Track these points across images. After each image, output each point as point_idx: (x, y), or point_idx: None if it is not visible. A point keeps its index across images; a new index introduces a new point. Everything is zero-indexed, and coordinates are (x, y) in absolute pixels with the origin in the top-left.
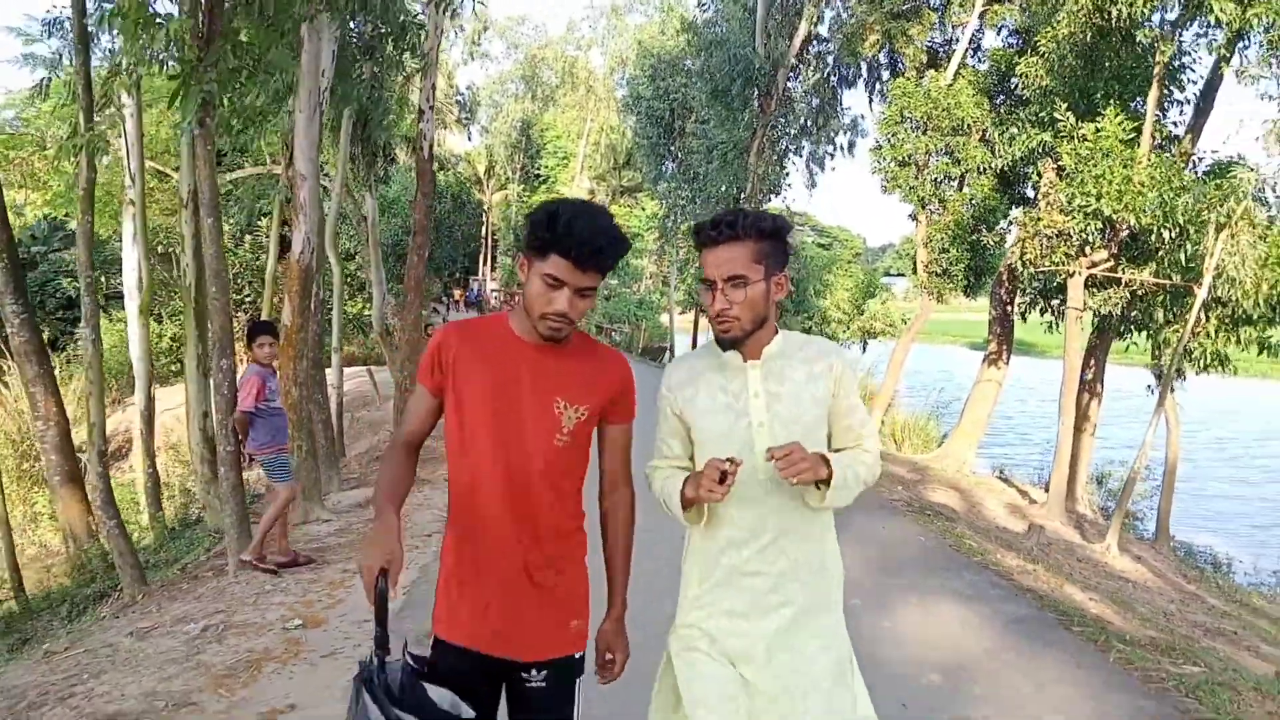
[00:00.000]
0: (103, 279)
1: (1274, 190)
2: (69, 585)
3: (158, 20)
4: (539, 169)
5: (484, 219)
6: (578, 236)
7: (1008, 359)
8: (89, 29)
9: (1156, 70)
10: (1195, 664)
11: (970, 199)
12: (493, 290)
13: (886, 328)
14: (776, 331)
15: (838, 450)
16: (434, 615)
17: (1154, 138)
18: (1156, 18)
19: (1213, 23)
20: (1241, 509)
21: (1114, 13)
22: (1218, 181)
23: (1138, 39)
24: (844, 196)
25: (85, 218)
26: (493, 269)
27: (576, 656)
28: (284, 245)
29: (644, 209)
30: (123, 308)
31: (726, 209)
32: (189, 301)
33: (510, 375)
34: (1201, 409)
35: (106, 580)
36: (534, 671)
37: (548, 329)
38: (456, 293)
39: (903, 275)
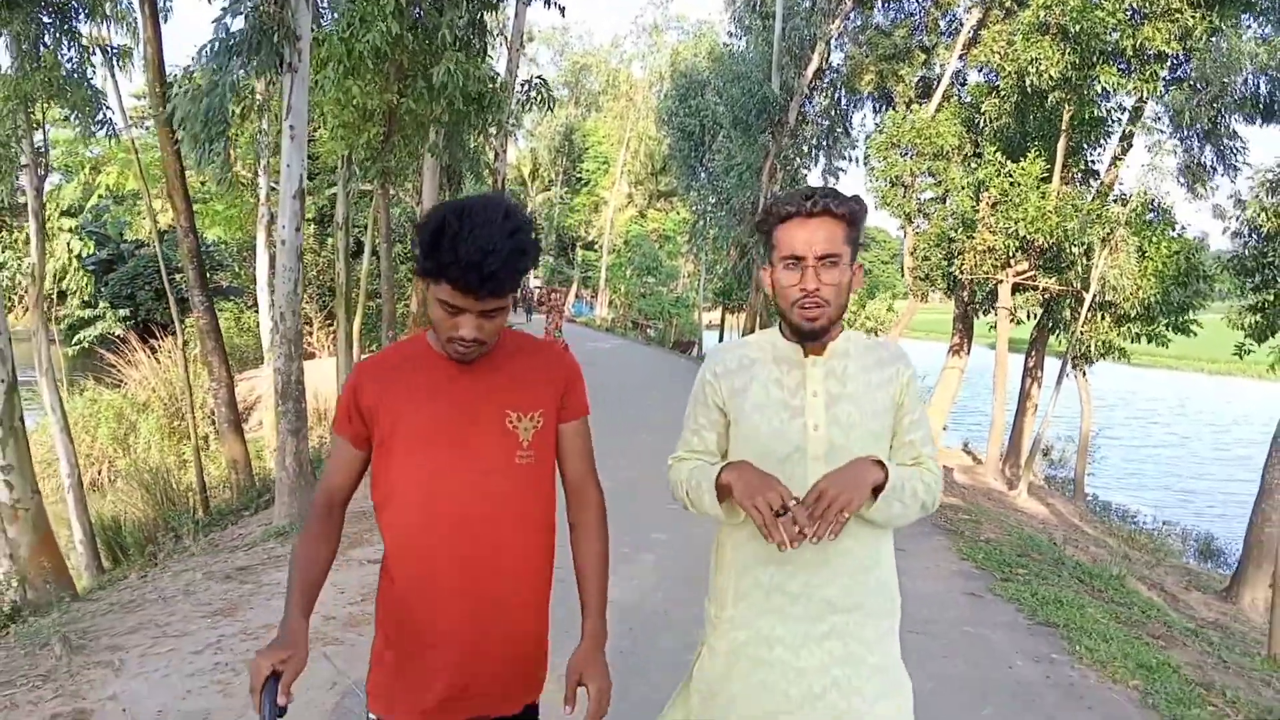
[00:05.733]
0: (207, 274)
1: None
2: (238, 503)
3: (364, 127)
4: (580, 173)
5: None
6: (464, 261)
7: (968, 350)
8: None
9: (1064, 124)
10: (967, 515)
11: (951, 213)
12: (536, 286)
13: (877, 326)
14: (843, 328)
15: None
16: (369, 689)
17: (1069, 173)
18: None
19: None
20: (1195, 499)
21: (1027, 82)
22: (1098, 212)
23: (1048, 101)
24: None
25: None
26: (535, 266)
27: (536, 704)
28: (358, 248)
29: (678, 213)
30: (228, 299)
31: (811, 188)
32: (341, 294)
33: (448, 400)
34: (1224, 415)
35: (267, 497)
36: None
37: (456, 354)
38: None
39: None
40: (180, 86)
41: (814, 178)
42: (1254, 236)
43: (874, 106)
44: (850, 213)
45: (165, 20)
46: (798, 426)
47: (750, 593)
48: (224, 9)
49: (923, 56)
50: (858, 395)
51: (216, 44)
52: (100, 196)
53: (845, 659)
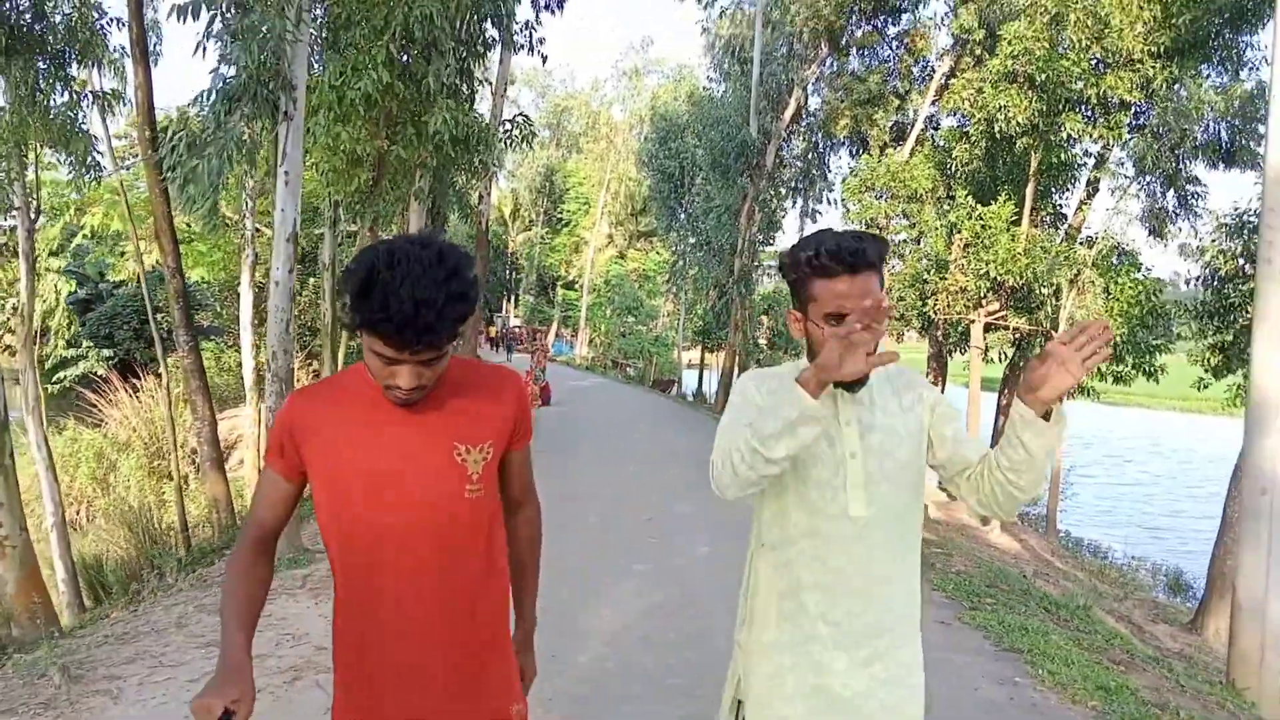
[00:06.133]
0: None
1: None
2: (219, 541)
3: (354, 173)
4: (561, 213)
5: (509, 260)
6: (395, 316)
7: (942, 388)
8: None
9: (1032, 169)
10: (939, 549)
11: (925, 254)
12: (516, 325)
13: None
14: None
15: (965, 470)
16: None
17: (1037, 216)
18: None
19: (1072, 136)
20: (1168, 536)
21: (996, 128)
22: (1066, 254)
23: (1016, 147)
24: None
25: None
26: (515, 305)
27: None
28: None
29: (658, 253)
30: (209, 339)
31: (846, 238)
32: (325, 334)
33: (391, 435)
34: (1196, 453)
35: None
36: None
37: (397, 400)
38: (490, 330)
39: None
40: (173, 132)
41: (791, 220)
42: (1214, 280)
43: (850, 150)
44: (881, 259)
45: (155, 64)
46: (835, 454)
47: (794, 616)
48: (220, 56)
49: (896, 102)
50: (886, 424)
51: (214, 93)
52: (84, 237)
53: (889, 681)
